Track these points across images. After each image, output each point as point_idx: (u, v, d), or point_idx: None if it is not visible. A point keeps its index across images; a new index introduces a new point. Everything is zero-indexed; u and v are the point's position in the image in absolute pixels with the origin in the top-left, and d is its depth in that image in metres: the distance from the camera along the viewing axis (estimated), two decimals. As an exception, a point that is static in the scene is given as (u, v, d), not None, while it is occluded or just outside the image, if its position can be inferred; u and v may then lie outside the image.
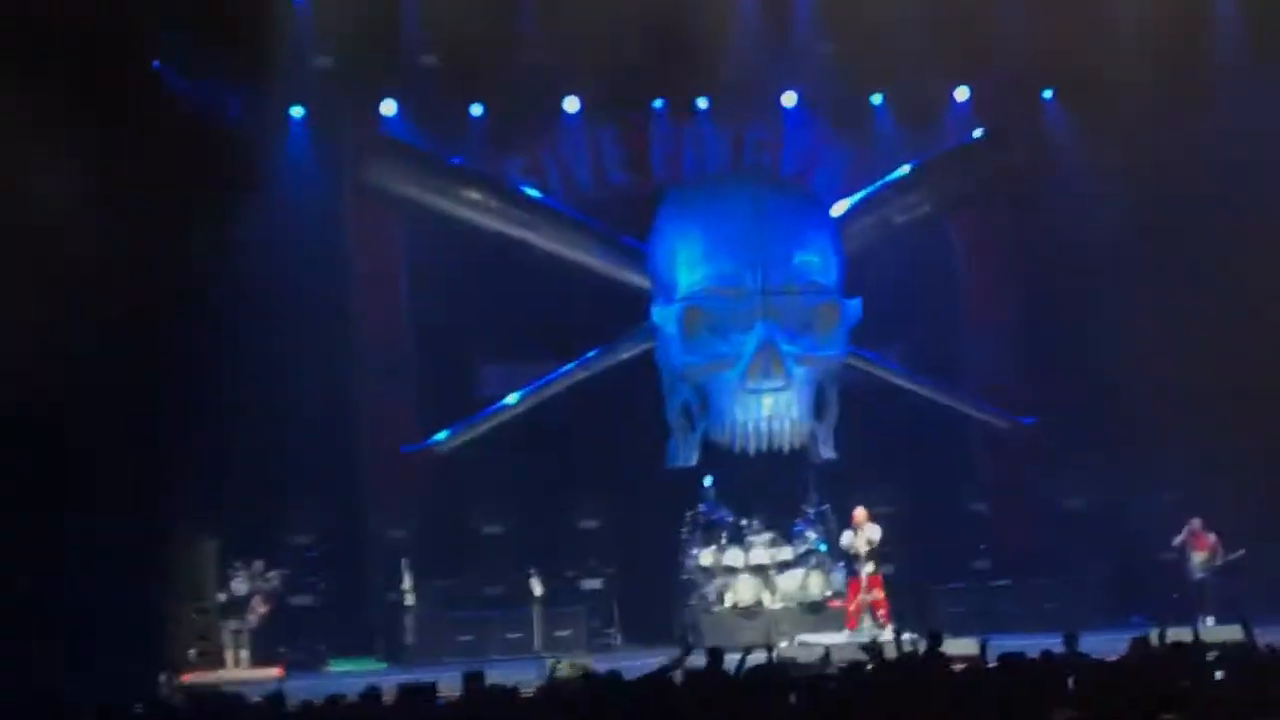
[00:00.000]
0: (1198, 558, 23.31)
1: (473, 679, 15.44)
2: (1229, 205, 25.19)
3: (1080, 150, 26.16)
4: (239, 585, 22.59)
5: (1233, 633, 18.18)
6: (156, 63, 23.19)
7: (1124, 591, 24.91)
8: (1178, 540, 23.54)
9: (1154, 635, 15.77)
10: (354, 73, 25.07)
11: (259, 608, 22.99)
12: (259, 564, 23.21)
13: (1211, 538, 23.34)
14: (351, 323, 25.93)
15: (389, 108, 25.79)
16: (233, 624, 22.36)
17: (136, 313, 19.55)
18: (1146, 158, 24.80)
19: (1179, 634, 17.93)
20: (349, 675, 21.85)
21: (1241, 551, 23.09)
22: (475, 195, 25.20)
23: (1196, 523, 23.54)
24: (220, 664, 21.58)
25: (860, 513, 23.33)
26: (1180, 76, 24.82)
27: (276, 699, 15.33)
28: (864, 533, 23.04)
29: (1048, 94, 27.05)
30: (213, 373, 22.41)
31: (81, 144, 18.85)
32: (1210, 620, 21.85)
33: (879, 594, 22.90)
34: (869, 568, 22.98)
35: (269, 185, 24.24)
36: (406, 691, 15.44)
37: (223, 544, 22.22)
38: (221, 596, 22.31)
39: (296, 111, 25.53)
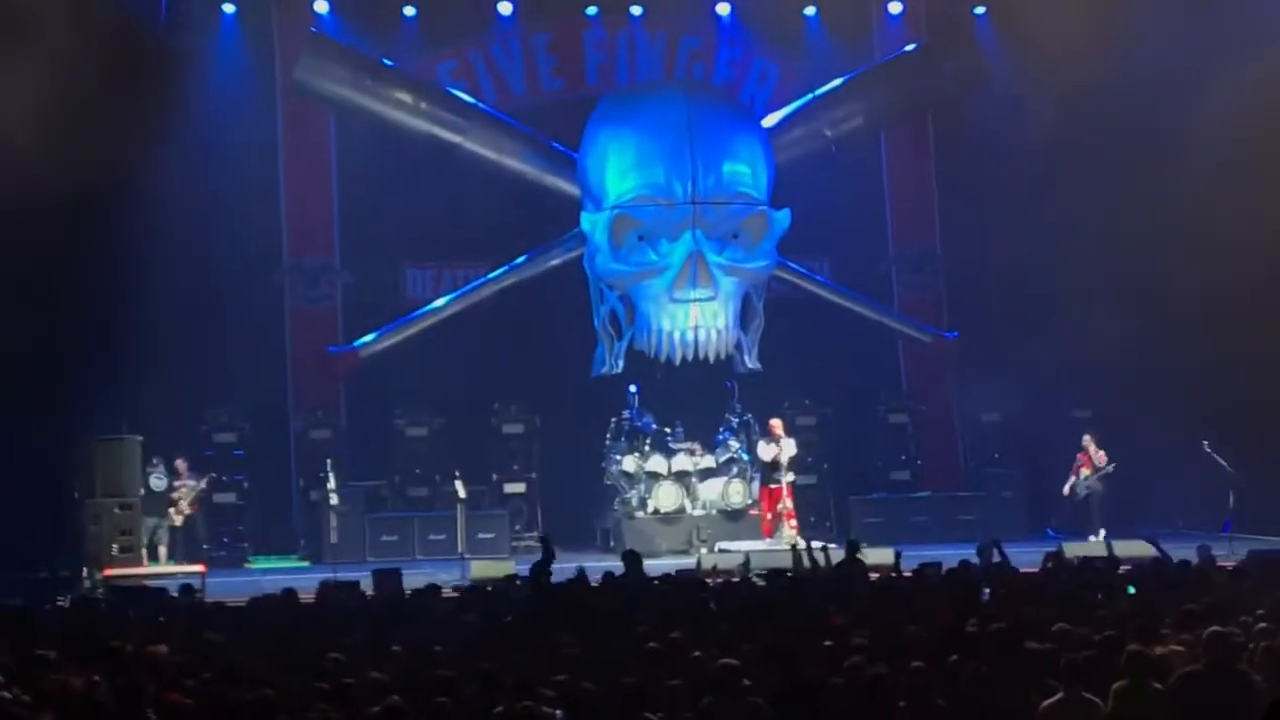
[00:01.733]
0: (1084, 473, 23.71)
1: (384, 577, 15.59)
2: (1153, 125, 25.27)
3: (1010, 68, 26.19)
4: (157, 482, 22.64)
5: (1133, 548, 18.60)
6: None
7: (1038, 505, 25.23)
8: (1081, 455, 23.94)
9: (1065, 548, 16.10)
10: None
11: (186, 508, 23.05)
12: (181, 462, 23.25)
13: (1100, 454, 23.72)
14: (280, 223, 25.84)
15: (322, 6, 25.59)
16: (152, 520, 22.39)
17: (67, 209, 19.49)
18: (1075, 78, 24.82)
19: (1086, 548, 18.37)
20: (270, 573, 21.95)
21: (1113, 464, 23.49)
22: (406, 97, 24.99)
23: (1088, 439, 23.88)
24: (142, 560, 21.59)
25: (777, 423, 23.61)
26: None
27: (187, 590, 15.53)
28: (780, 443, 23.31)
29: (980, 10, 27.12)
30: (139, 271, 22.32)
31: (13, 42, 18.72)
32: (1101, 534, 22.25)
33: (789, 503, 23.23)
34: (789, 477, 23.28)
35: (200, 84, 24.08)
36: (327, 588, 15.64)
37: (147, 441, 22.17)
38: (143, 493, 22.32)
39: (228, 8, 25.35)
